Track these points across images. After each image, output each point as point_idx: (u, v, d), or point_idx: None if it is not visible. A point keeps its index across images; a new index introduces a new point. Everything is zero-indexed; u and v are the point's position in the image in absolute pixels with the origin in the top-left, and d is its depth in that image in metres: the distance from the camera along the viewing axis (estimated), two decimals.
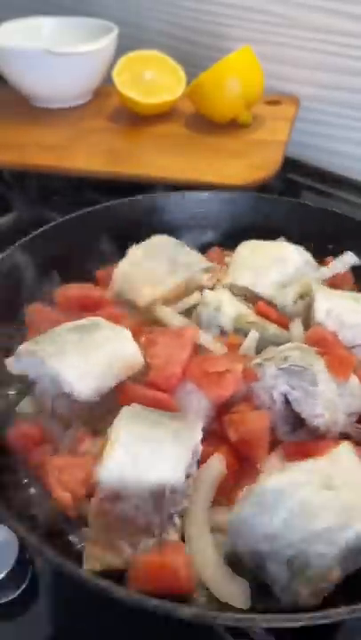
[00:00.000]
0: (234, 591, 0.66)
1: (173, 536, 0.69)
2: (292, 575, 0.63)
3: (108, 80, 1.56)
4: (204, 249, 1.12)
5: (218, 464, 0.74)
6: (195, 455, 0.72)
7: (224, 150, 1.39)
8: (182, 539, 0.70)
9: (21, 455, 0.79)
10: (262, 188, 1.32)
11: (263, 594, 0.67)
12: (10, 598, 0.72)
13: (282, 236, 1.10)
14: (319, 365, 0.78)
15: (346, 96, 1.48)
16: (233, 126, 1.47)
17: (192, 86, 1.47)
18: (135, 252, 1.03)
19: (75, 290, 0.98)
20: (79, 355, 0.78)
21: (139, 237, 1.06)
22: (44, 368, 0.78)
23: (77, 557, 0.68)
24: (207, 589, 0.67)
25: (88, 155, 1.41)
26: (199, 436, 0.72)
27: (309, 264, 1.03)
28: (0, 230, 1.41)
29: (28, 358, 0.79)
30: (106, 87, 1.61)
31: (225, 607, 0.66)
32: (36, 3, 1.97)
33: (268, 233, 1.09)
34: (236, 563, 0.68)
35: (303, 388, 0.77)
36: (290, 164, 1.50)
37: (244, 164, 1.33)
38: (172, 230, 1.11)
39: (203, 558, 0.68)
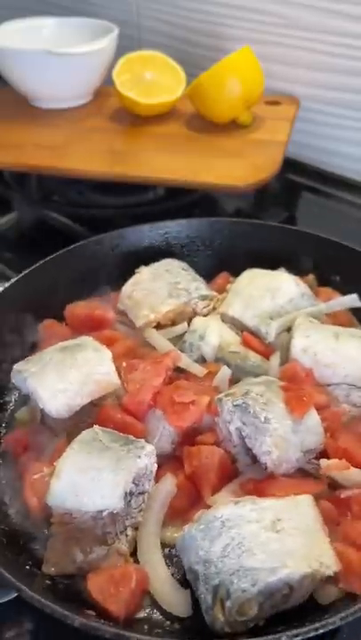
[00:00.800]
0: (176, 601, 0.71)
1: (124, 546, 0.73)
2: (214, 601, 0.66)
3: (108, 80, 1.56)
4: (214, 274, 1.12)
5: (169, 484, 0.79)
6: (144, 477, 0.76)
7: (224, 150, 1.39)
8: (133, 549, 0.75)
9: (12, 459, 0.85)
10: (262, 188, 1.32)
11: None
12: (10, 598, 0.72)
13: (284, 265, 1.08)
14: (278, 402, 0.79)
15: (346, 96, 1.48)
16: (233, 126, 1.47)
17: (192, 86, 1.47)
18: (142, 273, 1.06)
19: (81, 308, 1.02)
20: (56, 374, 0.85)
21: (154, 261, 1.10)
22: (27, 386, 0.86)
23: (38, 562, 0.73)
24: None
25: (88, 155, 1.41)
26: (144, 461, 0.75)
27: (306, 296, 1.02)
28: (0, 230, 1.41)
29: (18, 376, 0.88)
30: (106, 87, 1.61)
31: (169, 616, 0.70)
32: (36, 3, 1.97)
33: (276, 261, 1.08)
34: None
35: (254, 424, 0.78)
36: (290, 164, 1.50)
37: (244, 165, 1.33)
38: (184, 255, 1.14)
39: (151, 569, 0.73)
